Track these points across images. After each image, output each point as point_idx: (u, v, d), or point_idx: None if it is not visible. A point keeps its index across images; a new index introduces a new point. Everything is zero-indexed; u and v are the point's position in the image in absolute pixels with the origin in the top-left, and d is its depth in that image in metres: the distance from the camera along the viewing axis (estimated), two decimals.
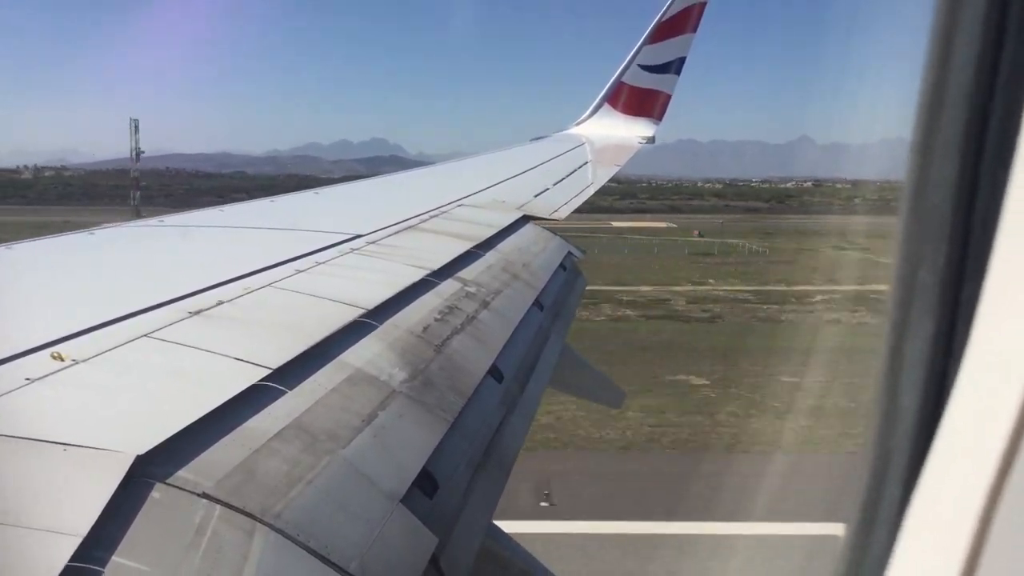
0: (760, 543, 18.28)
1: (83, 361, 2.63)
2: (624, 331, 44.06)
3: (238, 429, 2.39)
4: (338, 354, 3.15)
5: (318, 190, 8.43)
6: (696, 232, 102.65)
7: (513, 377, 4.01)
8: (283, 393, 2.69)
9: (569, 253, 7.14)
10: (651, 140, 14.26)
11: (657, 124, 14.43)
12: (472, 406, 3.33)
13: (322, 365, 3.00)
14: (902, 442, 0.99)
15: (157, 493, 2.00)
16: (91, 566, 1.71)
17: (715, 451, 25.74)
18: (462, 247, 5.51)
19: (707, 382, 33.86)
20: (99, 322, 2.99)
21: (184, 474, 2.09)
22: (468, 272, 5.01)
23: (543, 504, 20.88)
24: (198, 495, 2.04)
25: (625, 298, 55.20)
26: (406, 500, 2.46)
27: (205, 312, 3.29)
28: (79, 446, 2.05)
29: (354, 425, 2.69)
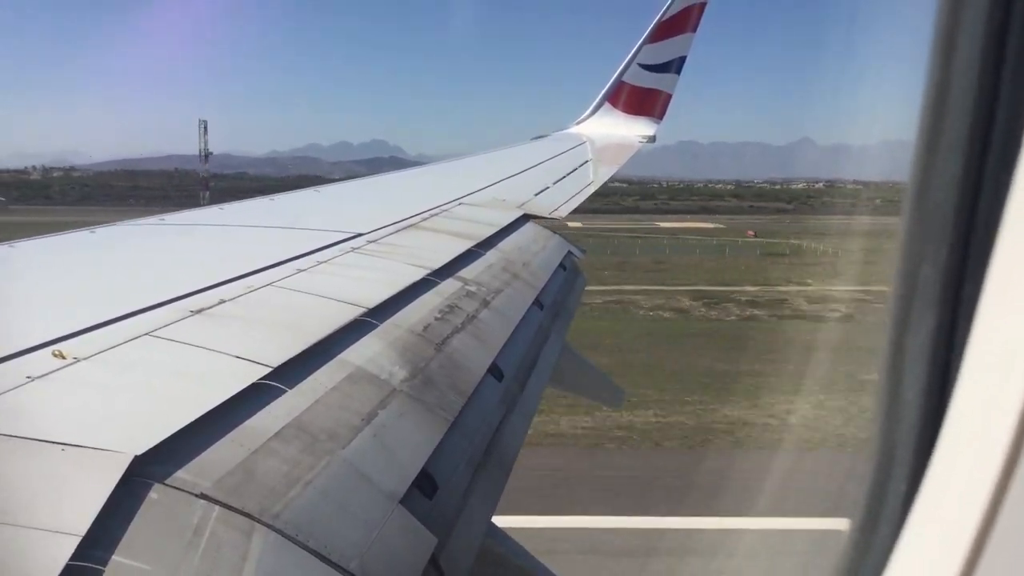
0: None
1: (84, 359, 2.63)
2: (769, 331, 43.46)
3: (238, 428, 2.39)
4: (338, 353, 3.14)
5: (318, 188, 8.43)
6: (751, 232, 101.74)
7: (513, 376, 4.00)
8: (283, 392, 2.69)
9: (569, 252, 7.14)
10: (652, 139, 14.26)
11: (658, 123, 14.43)
12: (472, 405, 3.33)
13: (322, 364, 3.00)
14: (905, 438, 0.99)
15: (155, 493, 2.00)
16: (91, 565, 1.71)
17: None
18: (462, 246, 5.51)
19: None
20: (100, 320, 2.98)
21: (182, 474, 2.08)
22: (468, 271, 5.01)
23: None
24: (196, 495, 2.03)
25: (742, 298, 54.64)
26: (406, 500, 2.45)
27: (206, 311, 3.29)
28: (78, 446, 2.04)
29: (354, 424, 2.69)
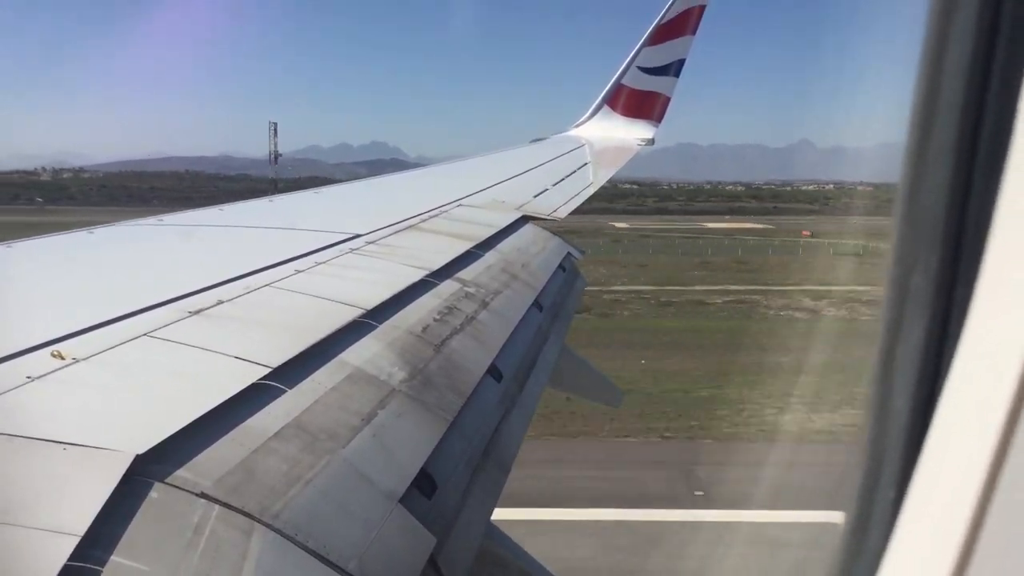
0: None
1: (83, 360, 2.64)
2: None
3: (237, 428, 2.39)
4: (338, 353, 3.15)
5: (317, 190, 8.43)
6: (806, 233, 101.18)
7: (512, 377, 4.01)
8: (283, 392, 2.69)
9: (569, 254, 7.15)
10: (650, 142, 14.27)
11: (656, 126, 14.44)
12: (471, 406, 3.33)
13: (322, 364, 3.01)
14: (895, 443, 0.99)
15: (156, 493, 2.00)
16: (89, 565, 1.71)
17: None
18: (461, 247, 5.52)
19: None
20: (99, 321, 2.99)
21: (183, 473, 2.09)
22: (467, 272, 5.01)
23: None
24: (196, 495, 2.04)
25: (862, 298, 54.40)
26: (405, 500, 2.46)
27: (205, 311, 3.30)
28: (78, 445, 2.05)
29: (353, 424, 2.70)
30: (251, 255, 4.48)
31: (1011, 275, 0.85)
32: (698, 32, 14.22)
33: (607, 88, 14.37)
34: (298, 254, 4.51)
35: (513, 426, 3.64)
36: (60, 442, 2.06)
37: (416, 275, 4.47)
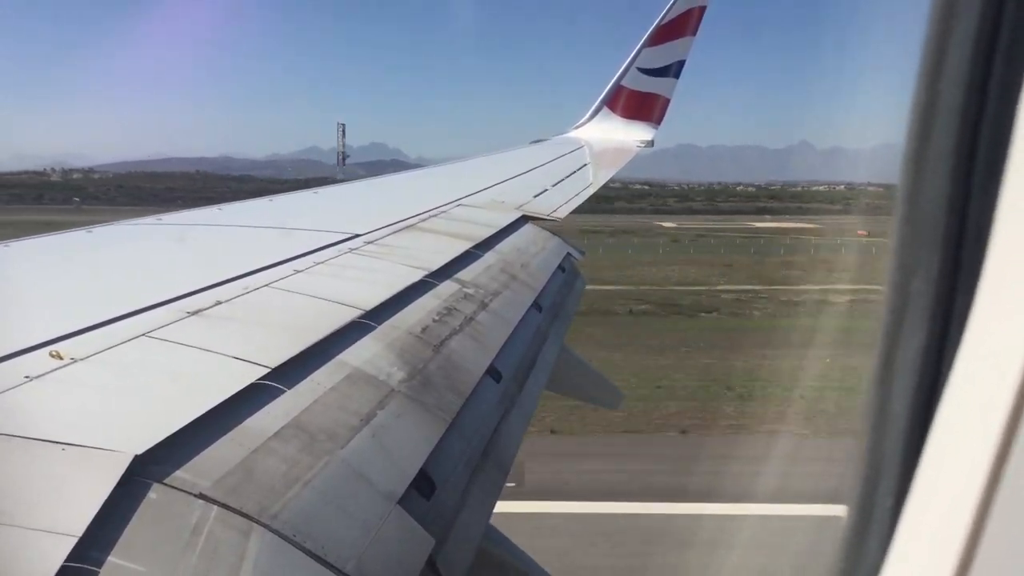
0: None
1: (82, 360, 2.63)
2: None
3: (236, 429, 2.39)
4: (337, 354, 3.14)
5: (316, 190, 8.43)
6: (862, 232, 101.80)
7: (511, 377, 4.00)
8: (282, 392, 2.69)
9: (568, 254, 7.14)
10: (650, 144, 14.26)
11: (656, 128, 14.44)
12: (470, 406, 3.33)
13: (321, 365, 3.00)
14: (894, 449, 0.99)
15: (154, 493, 2.00)
16: (87, 566, 1.71)
17: None
18: (461, 247, 5.51)
19: None
20: (98, 321, 2.99)
21: (181, 474, 2.08)
22: (467, 272, 5.01)
23: None
24: (195, 495, 2.03)
25: None
26: (403, 501, 2.45)
27: (204, 312, 3.29)
28: (77, 445, 2.04)
29: (352, 425, 2.69)
30: (250, 255, 4.47)
31: (1012, 279, 0.84)
32: (698, 33, 14.23)
33: (607, 90, 14.37)
34: (297, 254, 4.51)
35: (512, 427, 3.63)
36: (58, 442, 2.05)
37: (415, 275, 4.47)
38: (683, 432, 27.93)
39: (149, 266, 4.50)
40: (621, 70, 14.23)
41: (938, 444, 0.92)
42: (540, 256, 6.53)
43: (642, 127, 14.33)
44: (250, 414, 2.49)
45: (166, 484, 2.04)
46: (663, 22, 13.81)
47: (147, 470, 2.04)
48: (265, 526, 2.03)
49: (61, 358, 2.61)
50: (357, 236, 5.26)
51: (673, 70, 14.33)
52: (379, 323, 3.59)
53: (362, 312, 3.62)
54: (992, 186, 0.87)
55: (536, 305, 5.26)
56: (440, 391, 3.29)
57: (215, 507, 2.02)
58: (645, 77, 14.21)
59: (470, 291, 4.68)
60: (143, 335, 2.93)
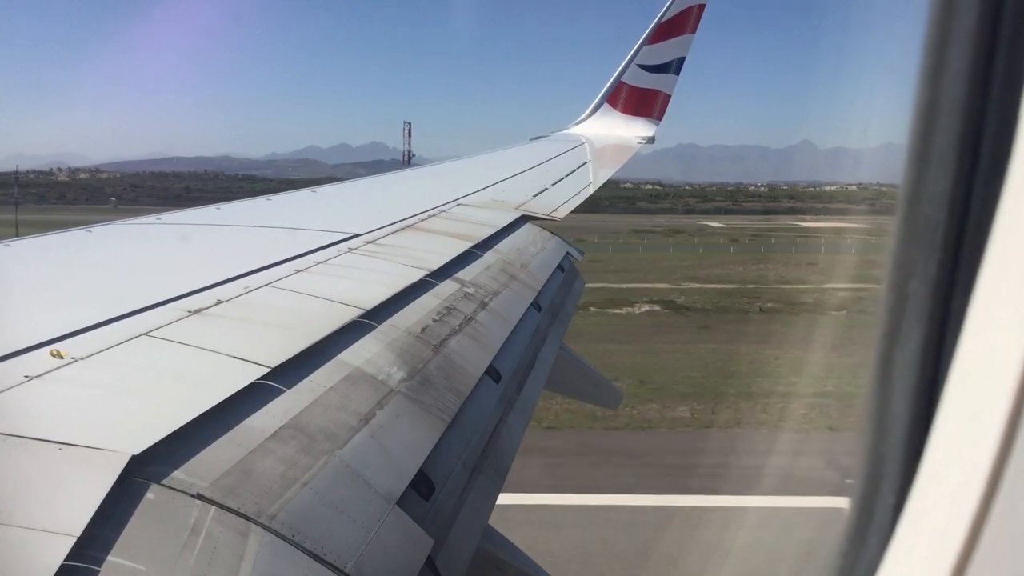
0: None
1: (82, 359, 2.63)
2: None
3: (235, 428, 2.39)
4: (336, 354, 3.14)
5: (316, 189, 8.42)
6: None
7: (511, 378, 4.00)
8: (281, 392, 2.69)
9: (568, 254, 7.14)
10: (651, 140, 14.26)
11: (657, 124, 14.43)
12: (469, 406, 3.33)
13: (320, 364, 3.00)
14: (894, 449, 0.99)
15: (152, 494, 2.00)
16: (86, 565, 1.71)
17: None
18: (460, 247, 5.51)
19: None
20: (98, 320, 2.98)
21: (179, 475, 2.08)
22: (466, 272, 5.01)
23: None
24: (193, 496, 2.03)
25: None
26: (402, 501, 2.45)
27: (204, 311, 3.29)
28: (75, 445, 2.04)
29: (351, 425, 2.69)
30: (250, 254, 4.47)
31: (1010, 281, 0.84)
32: (698, 31, 14.22)
33: (607, 86, 14.36)
34: (297, 253, 4.51)
35: (511, 427, 3.63)
36: (57, 442, 2.05)
37: (415, 275, 4.47)
38: None
39: (149, 265, 4.50)
40: (621, 67, 14.22)
41: (939, 442, 0.92)
42: (540, 256, 6.53)
43: (643, 123, 14.32)
44: (249, 414, 2.49)
45: (164, 484, 2.04)
46: (663, 19, 13.80)
47: (145, 470, 2.04)
48: (264, 526, 2.03)
49: (61, 357, 2.61)
50: (357, 236, 5.26)
51: (673, 67, 14.33)
52: (379, 323, 3.59)
53: (362, 312, 3.62)
54: (992, 186, 0.87)
55: (535, 305, 5.26)
56: (439, 391, 3.29)
57: (213, 507, 2.02)
58: (646, 73, 14.20)
59: (469, 291, 4.68)
60: (143, 334, 2.92)
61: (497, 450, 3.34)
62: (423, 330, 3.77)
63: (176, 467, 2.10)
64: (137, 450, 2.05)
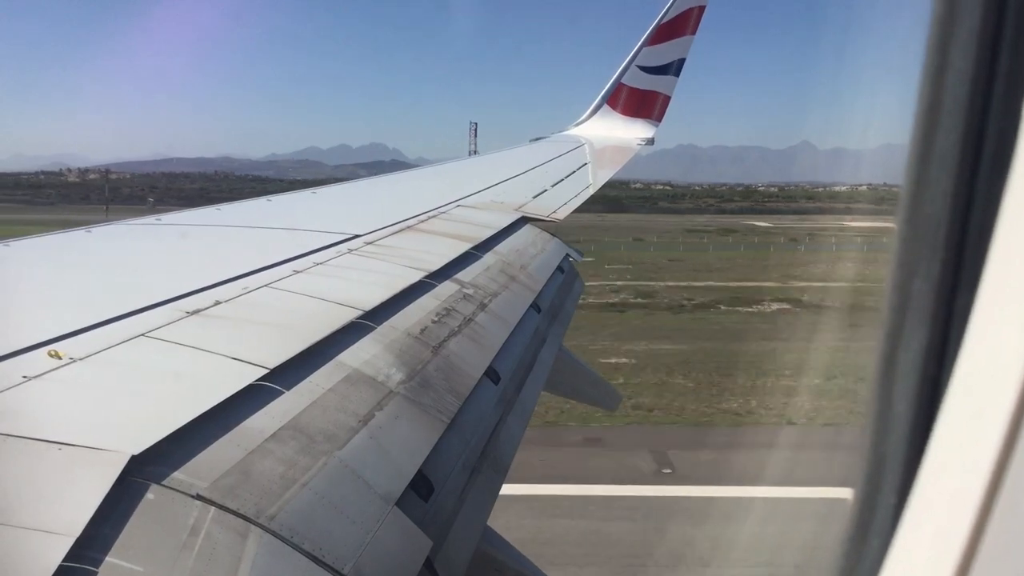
0: None
1: (80, 360, 2.63)
2: None
3: (234, 429, 2.39)
4: (335, 355, 3.14)
5: (315, 190, 8.42)
6: None
7: (510, 379, 4.00)
8: (280, 393, 2.69)
9: (567, 255, 7.14)
10: (650, 141, 14.27)
11: (656, 125, 14.44)
12: (468, 408, 3.33)
13: (319, 365, 3.00)
14: (896, 449, 0.99)
15: (151, 494, 2.00)
16: (84, 566, 1.71)
17: None
18: (460, 248, 5.51)
19: None
20: (96, 321, 2.98)
21: (179, 475, 2.08)
22: (466, 274, 5.01)
23: None
24: (192, 496, 2.03)
25: None
26: (401, 503, 2.45)
27: (203, 312, 3.29)
28: (74, 445, 2.04)
29: (350, 426, 2.69)
30: (249, 255, 4.47)
31: (1013, 280, 0.84)
32: (698, 32, 14.23)
33: (607, 87, 14.37)
34: (296, 254, 4.51)
35: (511, 428, 3.64)
36: (56, 442, 2.05)
37: (414, 276, 4.47)
38: None
39: (148, 266, 4.50)
40: (621, 68, 14.23)
41: (941, 443, 0.92)
42: (539, 257, 6.54)
43: (643, 124, 14.34)
44: (248, 415, 2.49)
45: (163, 485, 2.04)
46: (663, 21, 13.81)
47: (144, 471, 2.04)
48: (262, 527, 2.03)
49: (59, 358, 2.61)
50: (356, 237, 5.26)
51: (673, 68, 14.34)
52: (378, 324, 3.59)
53: (361, 313, 3.62)
54: (995, 186, 0.87)
55: (535, 306, 5.26)
56: (438, 392, 3.29)
57: (212, 508, 2.02)
58: (645, 75, 14.21)
59: (469, 292, 4.68)
60: (142, 335, 2.92)
61: (496, 451, 3.34)
62: (422, 331, 3.77)
63: (175, 468, 2.10)
64: (136, 450, 2.05)
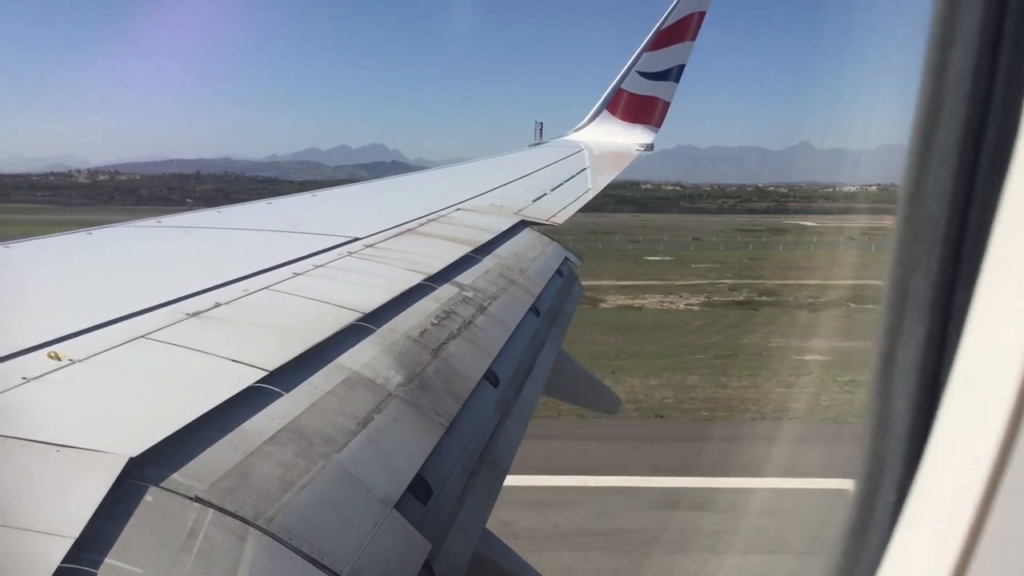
0: None
1: (80, 361, 2.63)
2: None
3: (233, 432, 2.39)
4: (335, 357, 3.15)
5: (315, 192, 8.43)
6: None
7: (509, 382, 4.01)
8: (279, 395, 2.69)
9: (566, 259, 7.15)
10: (650, 147, 14.30)
11: (656, 131, 14.47)
12: (467, 411, 3.33)
13: (319, 368, 3.00)
14: (895, 446, 0.99)
15: (150, 496, 2.00)
16: (83, 568, 1.71)
17: None
18: (459, 251, 5.52)
19: None
20: (96, 323, 2.99)
21: (177, 477, 2.09)
22: (465, 277, 5.02)
23: None
24: (191, 498, 2.03)
25: None
26: (400, 505, 2.46)
27: (203, 314, 3.30)
28: (73, 447, 2.05)
29: (349, 428, 2.69)
30: (249, 257, 4.48)
31: (1012, 278, 0.84)
32: (697, 38, 14.26)
33: (606, 92, 14.40)
34: (296, 257, 4.51)
35: (509, 431, 3.64)
36: (55, 444, 2.05)
37: (414, 279, 4.48)
38: None
39: (148, 268, 4.50)
40: (621, 73, 14.26)
41: (940, 440, 0.92)
42: (539, 261, 6.54)
43: (642, 130, 14.36)
44: (247, 417, 2.49)
45: (162, 487, 2.04)
46: (663, 26, 13.84)
47: (143, 472, 2.04)
48: (261, 529, 2.04)
49: (59, 359, 2.61)
50: (356, 240, 5.27)
51: (673, 74, 14.37)
52: (378, 326, 3.60)
53: (361, 315, 3.63)
54: (994, 185, 0.87)
55: (534, 310, 5.27)
56: (437, 395, 3.29)
57: (211, 510, 2.02)
58: (645, 81, 14.24)
59: (468, 295, 4.69)
60: (142, 337, 2.93)
61: (495, 454, 3.35)
62: (421, 334, 3.77)
63: (174, 469, 2.11)
64: (135, 452, 2.05)
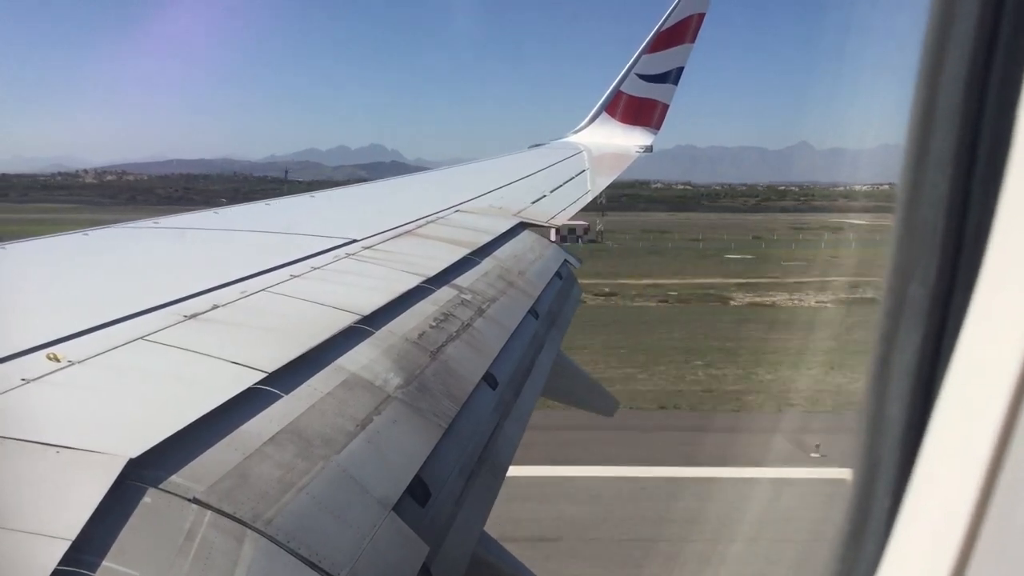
0: None
1: (79, 363, 2.63)
2: None
3: (232, 433, 2.39)
4: (333, 359, 3.15)
5: (314, 194, 8.43)
6: None
7: (507, 384, 4.01)
8: (278, 397, 2.69)
9: (565, 261, 7.16)
10: (649, 149, 14.31)
11: (655, 133, 14.49)
12: (466, 413, 3.34)
13: (317, 370, 3.01)
14: (890, 452, 0.99)
15: (148, 497, 2.00)
16: (81, 570, 1.71)
17: None
18: (458, 253, 5.52)
19: None
20: (95, 324, 2.99)
21: (176, 479, 2.09)
22: (464, 279, 5.02)
23: None
24: (189, 500, 2.04)
25: None
26: (398, 508, 2.46)
27: (201, 316, 3.30)
28: (72, 448, 2.05)
29: (348, 430, 2.70)
30: (247, 259, 4.48)
31: (1008, 283, 0.84)
32: (697, 40, 14.28)
33: (606, 95, 14.42)
34: (294, 259, 4.51)
35: (508, 433, 3.64)
36: (53, 445, 2.05)
37: (413, 281, 4.48)
38: None
39: (146, 269, 4.50)
40: (620, 76, 14.28)
41: (935, 446, 0.92)
42: (538, 263, 6.55)
43: (641, 132, 14.38)
44: (246, 419, 2.49)
45: (160, 488, 2.04)
46: (662, 28, 13.86)
47: (142, 474, 2.04)
48: (259, 532, 2.04)
49: (58, 361, 2.61)
50: (355, 241, 5.27)
51: (672, 76, 14.39)
52: (376, 328, 3.60)
53: (359, 317, 3.63)
54: (991, 190, 0.87)
55: (533, 312, 5.27)
56: (436, 397, 3.29)
57: (209, 512, 2.03)
58: (644, 83, 14.25)
59: (467, 297, 4.69)
60: (140, 338, 2.93)
61: (494, 456, 3.35)
62: (420, 336, 3.78)
63: (173, 471, 2.11)
64: (134, 454, 2.05)
